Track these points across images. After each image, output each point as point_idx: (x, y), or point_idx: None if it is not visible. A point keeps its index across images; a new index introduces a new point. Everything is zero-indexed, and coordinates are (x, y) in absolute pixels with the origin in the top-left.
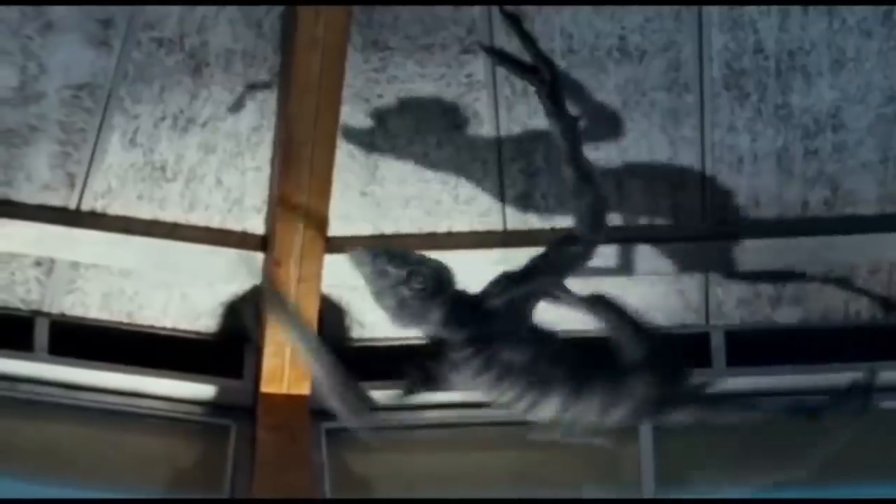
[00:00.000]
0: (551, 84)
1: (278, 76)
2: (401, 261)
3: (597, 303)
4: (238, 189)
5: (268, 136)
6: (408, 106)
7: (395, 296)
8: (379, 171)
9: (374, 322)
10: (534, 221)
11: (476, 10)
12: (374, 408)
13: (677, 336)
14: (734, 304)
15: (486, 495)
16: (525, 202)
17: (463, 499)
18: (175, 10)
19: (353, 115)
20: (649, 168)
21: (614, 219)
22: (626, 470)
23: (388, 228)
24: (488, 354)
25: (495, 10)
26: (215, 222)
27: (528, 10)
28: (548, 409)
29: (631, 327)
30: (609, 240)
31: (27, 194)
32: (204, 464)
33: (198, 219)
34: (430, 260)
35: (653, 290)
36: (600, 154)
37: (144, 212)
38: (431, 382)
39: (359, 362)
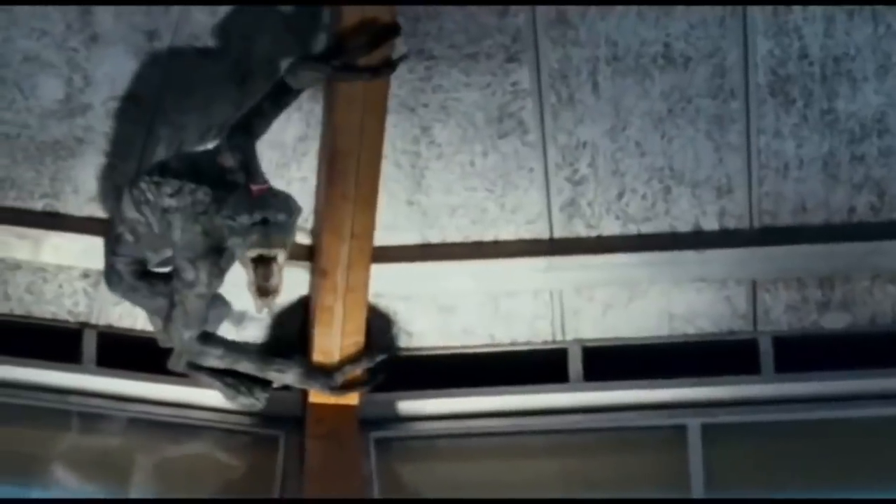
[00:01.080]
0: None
1: (323, 86)
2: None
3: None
4: None
5: (313, 147)
6: (453, 115)
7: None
8: (425, 181)
9: (421, 331)
10: (580, 229)
11: (521, 19)
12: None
13: (724, 342)
14: (782, 310)
15: None
16: (571, 210)
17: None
18: (219, 21)
19: (399, 124)
20: (695, 174)
21: (659, 225)
22: (674, 474)
23: (434, 237)
24: None
25: (540, 18)
26: None
27: (573, 20)
28: None
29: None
30: (658, 246)
31: (74, 206)
32: (253, 474)
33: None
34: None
35: (700, 296)
36: (646, 160)
37: None
38: None
39: (406, 371)
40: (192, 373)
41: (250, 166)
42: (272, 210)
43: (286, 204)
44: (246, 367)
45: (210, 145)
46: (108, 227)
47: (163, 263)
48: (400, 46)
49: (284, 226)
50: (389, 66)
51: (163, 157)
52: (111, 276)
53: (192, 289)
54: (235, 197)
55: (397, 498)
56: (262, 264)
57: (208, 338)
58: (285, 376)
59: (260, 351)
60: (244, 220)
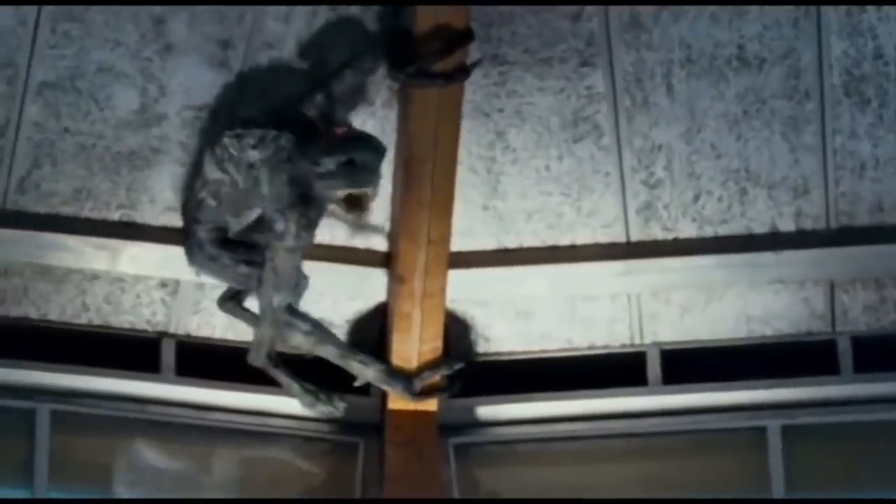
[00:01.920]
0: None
1: (398, 93)
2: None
3: None
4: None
5: (389, 154)
6: (528, 119)
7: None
8: (500, 186)
9: (499, 336)
10: (657, 232)
11: (594, 23)
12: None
13: (803, 343)
14: (860, 311)
15: None
16: (648, 213)
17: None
18: (293, 29)
19: (474, 129)
20: (771, 176)
21: (735, 227)
22: (754, 476)
23: (511, 243)
24: None
25: (614, 22)
26: (339, 240)
27: (647, 23)
28: None
29: None
30: (735, 248)
31: (150, 216)
32: (333, 481)
33: (322, 236)
34: None
35: (777, 298)
36: (722, 162)
37: None
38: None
39: (484, 376)
40: (271, 370)
41: (332, 112)
42: (356, 150)
43: (370, 143)
44: (329, 351)
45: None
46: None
47: (244, 231)
48: (474, 52)
49: (370, 164)
50: (464, 71)
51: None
52: (192, 246)
53: (281, 240)
54: (319, 141)
55: (474, 498)
56: (353, 204)
57: (296, 312)
58: (367, 371)
59: (348, 342)
60: (329, 162)
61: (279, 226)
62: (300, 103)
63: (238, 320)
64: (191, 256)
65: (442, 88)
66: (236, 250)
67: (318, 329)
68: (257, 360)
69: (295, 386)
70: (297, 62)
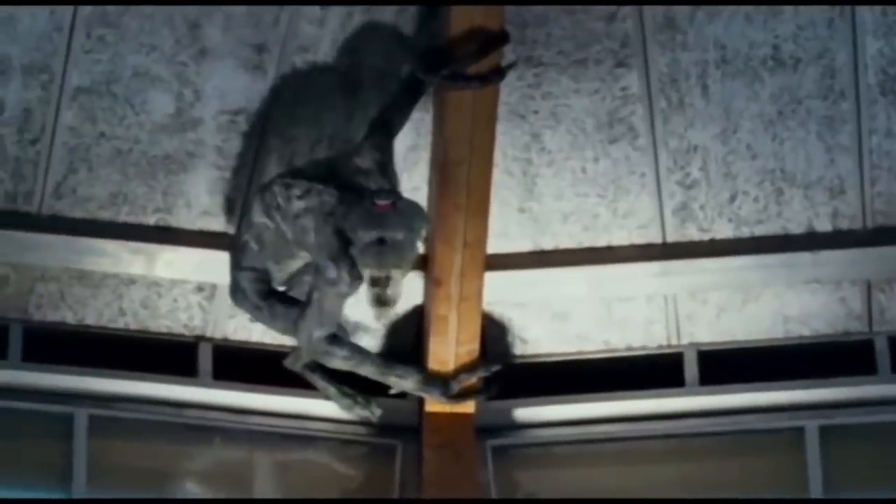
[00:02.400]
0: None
1: (432, 95)
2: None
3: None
4: None
5: (424, 156)
6: (563, 121)
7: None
8: (536, 188)
9: (536, 338)
10: (693, 233)
11: (629, 24)
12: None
13: (840, 343)
14: None
15: None
16: (684, 214)
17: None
18: (328, 32)
19: (509, 131)
20: (807, 176)
21: (772, 228)
22: (792, 476)
23: (547, 244)
24: None
25: (648, 23)
26: None
27: (681, 23)
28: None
29: None
30: (771, 249)
31: (186, 220)
32: (371, 484)
33: None
34: None
35: (814, 298)
36: (758, 163)
37: None
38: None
39: (522, 378)
40: (309, 375)
41: (387, 168)
42: (391, 229)
43: (409, 220)
44: (368, 370)
45: (348, 147)
46: (231, 239)
47: (287, 281)
48: (508, 54)
49: (401, 245)
50: (499, 73)
51: (274, 169)
52: (235, 291)
53: (333, 287)
54: (359, 209)
55: (513, 499)
56: (378, 280)
57: (335, 339)
58: (405, 382)
59: (381, 356)
60: (362, 236)
61: (331, 273)
62: (357, 153)
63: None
64: (235, 300)
65: (477, 90)
66: (277, 305)
67: (356, 352)
68: (295, 364)
69: (332, 389)
70: (332, 65)
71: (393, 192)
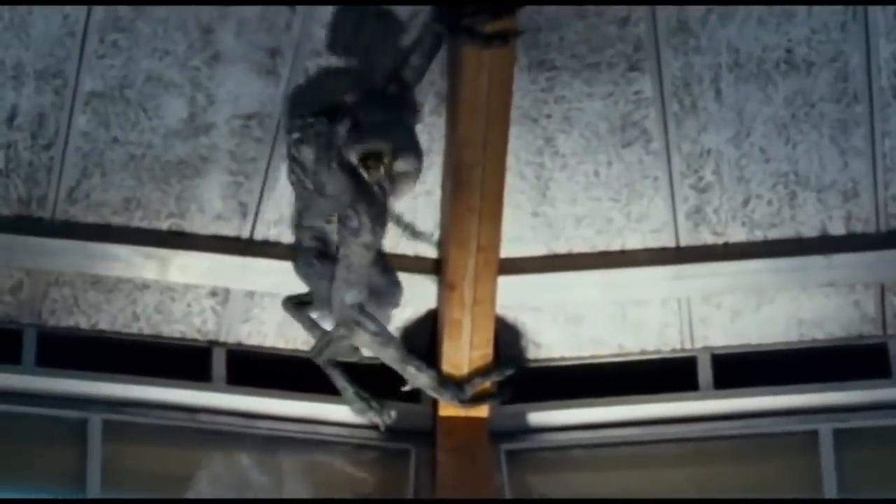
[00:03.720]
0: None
1: (446, 99)
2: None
3: None
4: (409, 213)
5: (437, 160)
6: (576, 125)
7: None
8: (549, 192)
9: (550, 342)
10: (707, 236)
11: (641, 28)
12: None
13: (854, 346)
14: None
15: None
16: (697, 218)
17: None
18: (341, 37)
19: (522, 135)
20: (821, 179)
21: (785, 231)
22: (807, 479)
23: (561, 248)
24: None
25: (661, 26)
26: (388, 247)
27: (694, 27)
28: None
29: None
30: (785, 252)
31: (200, 225)
32: (385, 488)
33: None
34: None
35: (828, 301)
36: (771, 166)
37: None
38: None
39: (535, 382)
40: (330, 371)
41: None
42: (362, 112)
43: (392, 106)
44: (390, 355)
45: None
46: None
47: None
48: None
49: (382, 124)
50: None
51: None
52: (296, 251)
53: (357, 236)
54: (338, 116)
55: (526, 499)
56: (372, 164)
57: (366, 312)
58: (420, 377)
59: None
60: (339, 130)
61: (353, 222)
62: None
63: (293, 324)
64: (296, 264)
65: (480, 48)
66: (328, 267)
67: (384, 331)
68: (318, 357)
69: (349, 391)
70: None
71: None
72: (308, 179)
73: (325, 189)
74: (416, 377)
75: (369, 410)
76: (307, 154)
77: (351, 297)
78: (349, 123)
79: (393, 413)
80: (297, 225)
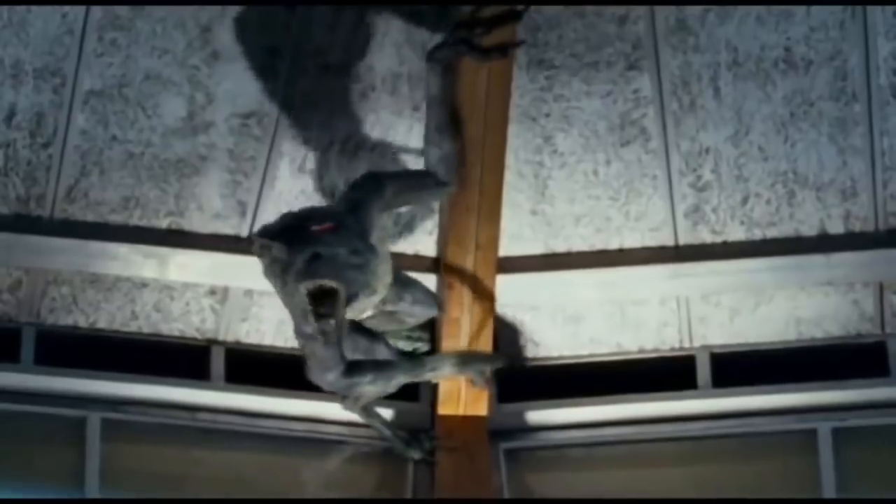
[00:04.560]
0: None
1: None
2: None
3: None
4: (409, 212)
5: None
6: (575, 124)
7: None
8: (548, 190)
9: (549, 341)
10: (705, 235)
11: (640, 27)
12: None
13: (852, 345)
14: None
15: None
16: (696, 216)
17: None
18: (341, 36)
19: (521, 134)
20: (819, 178)
21: (784, 230)
22: (805, 478)
23: (560, 247)
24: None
25: (660, 25)
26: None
27: (693, 26)
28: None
29: None
30: (784, 251)
31: (199, 224)
32: (384, 487)
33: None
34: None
35: (827, 300)
36: (770, 165)
37: None
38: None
39: (534, 381)
40: (367, 419)
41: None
42: (326, 246)
43: (350, 241)
44: (400, 381)
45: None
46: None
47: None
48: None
49: (338, 259)
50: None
51: (286, 173)
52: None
53: (314, 341)
54: (300, 241)
55: (525, 498)
56: (321, 300)
57: (353, 368)
58: (441, 372)
59: (407, 361)
60: (298, 260)
61: (307, 329)
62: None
63: (292, 323)
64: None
65: (480, 62)
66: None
67: (382, 371)
68: (353, 408)
69: (387, 433)
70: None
71: (336, 214)
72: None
73: (280, 296)
74: (438, 374)
75: (409, 449)
76: (262, 264)
77: (332, 377)
78: (309, 253)
79: (435, 442)
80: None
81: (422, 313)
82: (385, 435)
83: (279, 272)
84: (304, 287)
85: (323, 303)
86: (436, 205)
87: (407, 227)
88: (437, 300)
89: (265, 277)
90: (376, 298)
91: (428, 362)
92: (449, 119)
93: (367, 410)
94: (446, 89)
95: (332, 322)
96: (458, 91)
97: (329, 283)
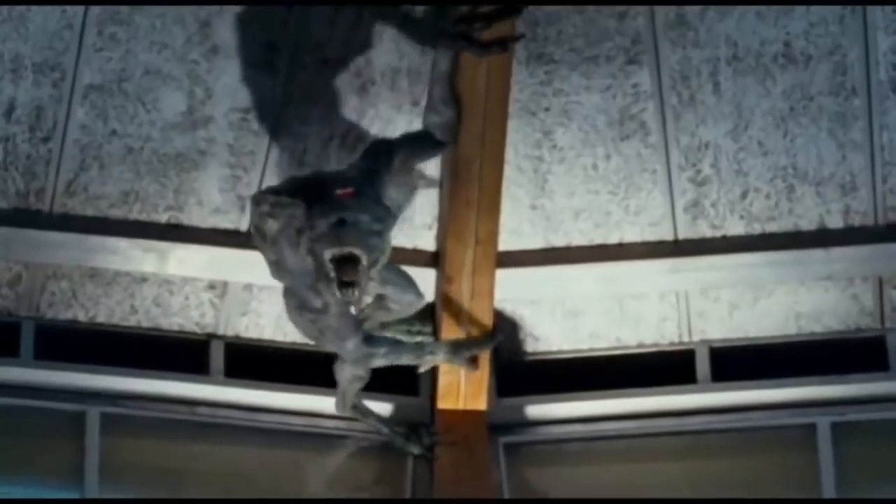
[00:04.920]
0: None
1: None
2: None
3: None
4: (408, 207)
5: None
6: (574, 118)
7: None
8: (548, 185)
9: (548, 335)
10: (705, 230)
11: (640, 22)
12: None
13: (852, 340)
14: None
15: None
16: (695, 211)
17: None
18: (340, 31)
19: (520, 129)
20: (819, 173)
21: (784, 224)
22: (804, 473)
23: (559, 241)
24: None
25: (660, 20)
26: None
27: (692, 21)
28: None
29: None
30: (783, 245)
31: (199, 218)
32: (383, 481)
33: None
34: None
35: (826, 294)
36: (769, 160)
37: None
38: None
39: (534, 376)
40: (362, 418)
41: (374, 178)
42: (351, 212)
43: (372, 208)
44: (407, 359)
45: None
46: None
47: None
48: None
49: (363, 227)
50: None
51: (286, 167)
52: (285, 297)
53: (326, 314)
54: (322, 205)
55: (523, 498)
56: (344, 267)
57: (371, 340)
58: (437, 357)
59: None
60: (320, 224)
61: (315, 303)
62: (346, 170)
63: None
64: (285, 305)
65: (479, 56)
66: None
67: (393, 347)
68: (344, 410)
69: (385, 430)
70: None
71: (354, 180)
72: (268, 248)
73: (285, 262)
74: (435, 359)
75: (408, 444)
76: (271, 226)
77: (352, 346)
78: (334, 219)
79: (435, 438)
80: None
81: (405, 299)
82: (382, 431)
83: (292, 233)
84: (330, 253)
85: (345, 269)
86: (435, 198)
87: (407, 221)
88: (415, 285)
89: (260, 240)
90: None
91: (427, 346)
92: (451, 92)
93: (359, 409)
94: (453, 68)
95: (356, 290)
96: (458, 85)
97: (355, 250)
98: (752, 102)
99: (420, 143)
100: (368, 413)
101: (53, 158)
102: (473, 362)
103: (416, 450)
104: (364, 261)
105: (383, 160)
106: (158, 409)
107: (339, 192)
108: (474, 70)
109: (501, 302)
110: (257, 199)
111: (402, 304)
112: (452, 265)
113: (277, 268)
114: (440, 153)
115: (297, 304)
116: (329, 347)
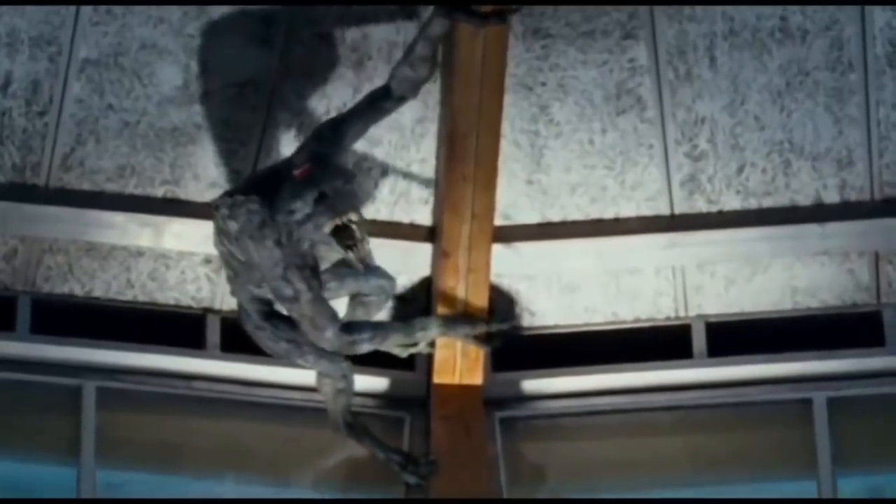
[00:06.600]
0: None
1: (441, 67)
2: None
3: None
4: (404, 181)
5: (432, 128)
6: (571, 93)
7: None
8: (544, 160)
9: (543, 310)
10: (701, 205)
11: None
12: None
13: (848, 315)
14: None
15: (661, 480)
16: (691, 186)
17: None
18: (334, 6)
19: (517, 103)
20: (815, 147)
21: (780, 199)
22: (800, 448)
23: (555, 216)
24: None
25: None
26: (382, 215)
27: None
28: None
29: None
30: (779, 220)
31: (195, 192)
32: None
33: (365, 212)
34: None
35: (822, 270)
36: (766, 134)
37: None
38: None
39: (529, 350)
40: (358, 440)
41: (328, 159)
42: (324, 183)
43: (336, 171)
44: (395, 339)
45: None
46: None
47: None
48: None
49: (343, 190)
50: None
51: (282, 141)
52: (241, 314)
53: (298, 301)
54: (285, 191)
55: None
56: (342, 234)
57: (351, 326)
58: (429, 333)
59: (399, 319)
60: (302, 206)
61: (287, 291)
62: (294, 155)
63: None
64: (243, 322)
65: (478, 27)
66: (278, 325)
67: (379, 330)
68: (339, 431)
69: (381, 454)
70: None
71: (301, 155)
72: (236, 250)
73: (252, 259)
74: (427, 335)
75: (405, 472)
76: (232, 226)
77: (330, 334)
78: (315, 195)
79: (433, 468)
80: (232, 291)
81: (373, 285)
82: (380, 457)
83: (254, 229)
84: (331, 225)
85: (342, 235)
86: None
87: (403, 196)
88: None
89: (221, 243)
90: None
91: (417, 322)
92: (433, 53)
93: (355, 429)
94: (444, 33)
95: (362, 248)
96: (454, 60)
97: (352, 214)
98: (749, 77)
99: (374, 108)
100: (365, 434)
101: (49, 133)
102: (485, 340)
103: (411, 480)
104: (360, 219)
105: (330, 142)
106: (155, 383)
107: (296, 173)
108: (471, 44)
109: (497, 277)
110: (216, 204)
111: (375, 292)
112: (448, 240)
113: (241, 273)
114: (397, 109)
115: (254, 323)
116: (302, 356)
